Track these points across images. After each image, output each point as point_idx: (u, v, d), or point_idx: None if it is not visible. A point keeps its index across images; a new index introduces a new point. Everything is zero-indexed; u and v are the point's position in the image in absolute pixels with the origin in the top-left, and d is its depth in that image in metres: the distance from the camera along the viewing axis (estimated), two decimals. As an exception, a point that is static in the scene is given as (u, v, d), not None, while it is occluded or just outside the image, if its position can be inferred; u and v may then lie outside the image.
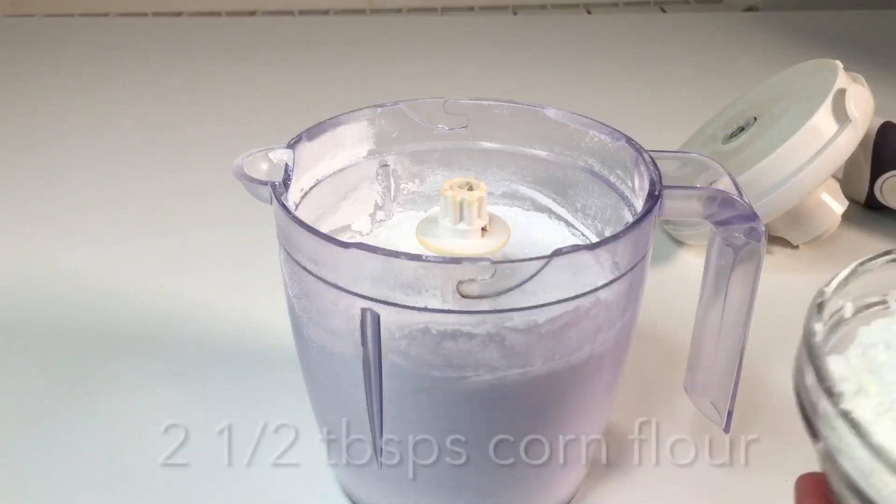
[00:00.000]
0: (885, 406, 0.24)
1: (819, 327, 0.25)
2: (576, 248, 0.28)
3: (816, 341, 0.25)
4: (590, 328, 0.31)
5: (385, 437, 0.32)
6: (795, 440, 0.28)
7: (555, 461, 0.35)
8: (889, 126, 0.56)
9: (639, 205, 0.34)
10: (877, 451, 0.21)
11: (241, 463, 0.40)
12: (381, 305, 0.29)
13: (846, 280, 0.28)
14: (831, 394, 0.23)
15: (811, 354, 0.24)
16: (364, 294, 0.29)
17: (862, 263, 0.28)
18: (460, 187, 0.34)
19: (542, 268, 0.28)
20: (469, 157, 0.40)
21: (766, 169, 0.49)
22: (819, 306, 0.26)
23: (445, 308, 0.29)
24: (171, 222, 0.61)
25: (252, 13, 1.10)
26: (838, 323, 0.28)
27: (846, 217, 0.55)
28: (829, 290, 0.27)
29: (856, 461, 0.22)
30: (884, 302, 0.28)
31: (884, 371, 0.25)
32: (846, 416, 0.22)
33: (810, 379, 0.24)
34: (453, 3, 1.12)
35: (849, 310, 0.28)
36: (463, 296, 0.28)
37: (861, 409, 0.23)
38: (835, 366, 0.24)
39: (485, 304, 0.28)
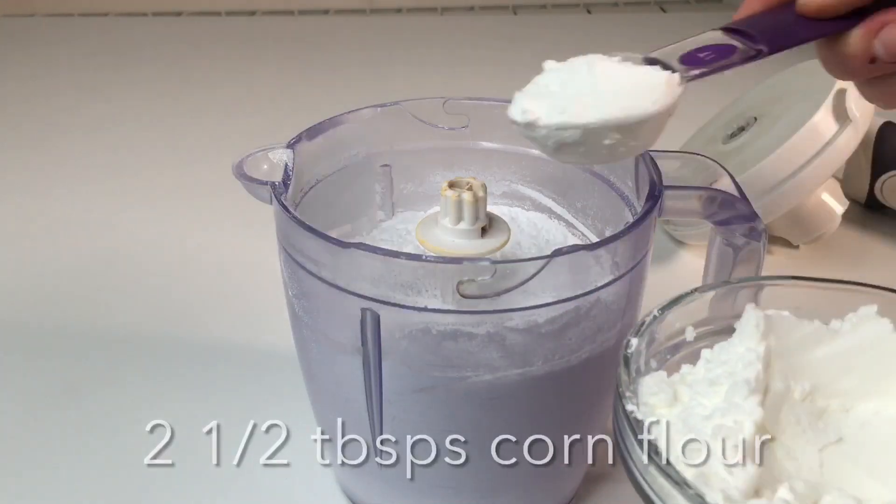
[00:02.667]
0: (686, 409, 0.27)
1: (634, 342, 0.29)
2: (576, 248, 0.28)
3: (628, 353, 0.28)
4: (590, 328, 0.31)
5: (385, 436, 0.32)
6: (795, 440, 0.28)
7: (554, 461, 0.35)
8: (889, 126, 0.56)
9: (639, 205, 0.34)
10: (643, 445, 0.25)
11: (241, 463, 0.40)
12: (381, 305, 0.29)
13: (671, 305, 0.30)
14: (622, 396, 0.27)
15: (622, 365, 0.28)
16: (364, 294, 0.29)
17: (692, 292, 0.31)
18: (460, 187, 0.34)
19: (542, 268, 0.28)
20: (469, 157, 0.40)
21: (767, 169, 0.49)
22: (640, 326, 0.29)
23: (445, 308, 0.29)
24: (171, 222, 0.61)
25: (252, 13, 1.10)
26: (679, 345, 0.31)
27: (846, 217, 0.55)
28: (650, 316, 0.30)
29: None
30: (730, 328, 0.30)
31: (696, 383, 0.28)
32: (627, 414, 0.26)
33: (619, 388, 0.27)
34: (453, 3, 1.12)
35: (690, 333, 0.31)
36: (463, 296, 0.28)
37: (663, 413, 0.27)
38: (651, 380, 0.28)
39: (485, 304, 0.28)
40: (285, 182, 0.32)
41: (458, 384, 0.30)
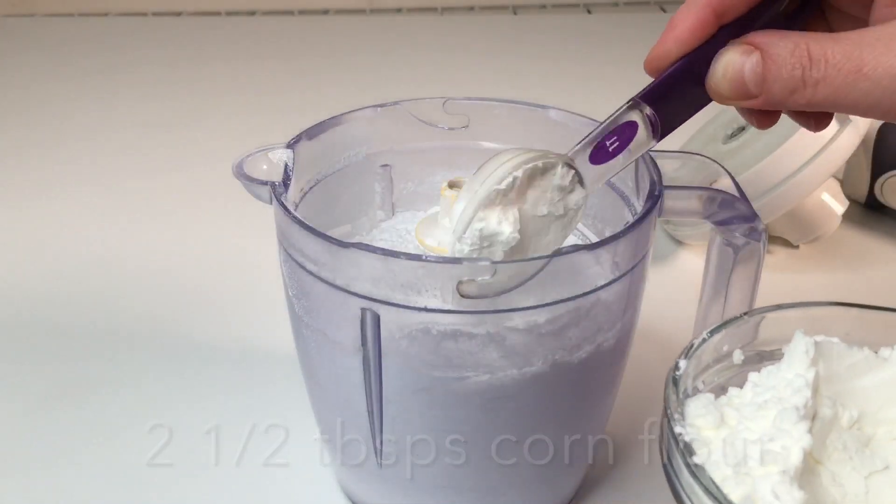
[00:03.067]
0: (733, 433, 0.27)
1: (683, 364, 0.29)
2: (576, 248, 0.28)
3: (677, 375, 0.29)
4: (590, 328, 0.31)
5: (385, 436, 0.32)
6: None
7: (554, 461, 0.35)
8: (889, 126, 0.56)
9: (639, 205, 0.34)
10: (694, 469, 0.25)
11: (241, 463, 0.40)
12: (381, 305, 0.29)
13: (720, 328, 0.31)
14: (671, 418, 0.27)
15: (671, 386, 0.28)
16: (364, 294, 0.29)
17: (742, 315, 0.31)
18: (460, 187, 0.34)
19: (542, 268, 0.28)
20: (469, 157, 0.40)
21: (766, 169, 0.49)
22: (688, 349, 0.29)
23: (445, 308, 0.29)
24: (171, 222, 0.61)
25: (252, 13, 1.10)
26: (727, 367, 0.31)
27: (846, 217, 0.55)
28: (699, 339, 0.30)
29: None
30: (779, 352, 0.31)
31: (744, 406, 0.28)
32: (675, 436, 0.26)
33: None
34: (453, 3, 1.12)
35: (738, 356, 0.31)
36: (463, 296, 0.28)
37: (709, 435, 0.28)
38: (698, 402, 0.28)
39: (485, 304, 0.28)
40: (285, 182, 0.32)
41: (458, 384, 0.30)
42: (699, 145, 0.58)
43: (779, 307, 0.32)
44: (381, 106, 0.38)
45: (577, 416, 0.34)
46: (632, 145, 0.29)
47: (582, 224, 0.39)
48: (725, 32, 0.27)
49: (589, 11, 1.11)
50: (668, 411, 0.27)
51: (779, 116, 0.30)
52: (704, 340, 0.30)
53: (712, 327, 0.30)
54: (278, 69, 0.90)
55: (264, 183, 0.32)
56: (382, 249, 0.28)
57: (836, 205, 0.54)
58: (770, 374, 0.29)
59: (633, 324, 0.34)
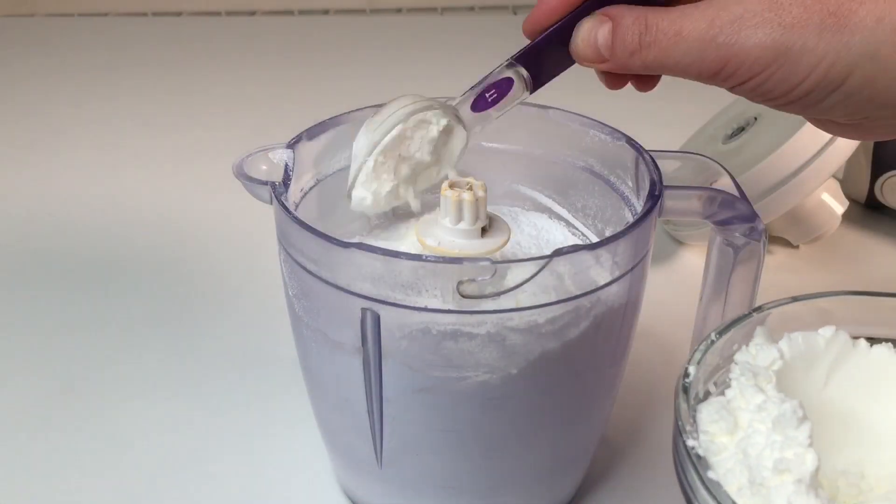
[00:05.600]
0: (745, 437, 0.27)
1: (692, 370, 0.28)
2: (576, 248, 0.28)
3: (686, 383, 0.28)
4: (590, 328, 0.31)
5: (385, 436, 0.32)
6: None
7: (554, 461, 0.35)
8: (889, 126, 0.56)
9: (639, 205, 0.34)
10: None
11: (241, 463, 0.40)
12: (381, 305, 0.29)
13: (728, 328, 0.30)
14: (683, 431, 0.26)
15: (681, 395, 0.28)
16: (364, 294, 0.29)
17: (750, 313, 0.31)
18: (460, 187, 0.34)
19: (543, 268, 0.28)
20: (469, 157, 0.39)
21: (766, 169, 0.49)
22: (695, 353, 0.29)
23: (445, 308, 0.29)
24: (171, 222, 0.61)
25: (252, 13, 1.10)
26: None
27: (846, 217, 0.55)
28: (707, 341, 0.30)
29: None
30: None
31: (752, 409, 0.28)
32: (688, 449, 0.26)
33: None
34: (453, 3, 1.12)
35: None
36: (463, 296, 0.28)
37: (724, 442, 0.27)
38: (710, 407, 0.28)
39: (485, 304, 0.28)
40: (285, 182, 0.32)
41: (458, 384, 0.30)
42: (699, 145, 0.58)
43: (794, 299, 0.31)
44: (381, 106, 0.38)
45: (577, 417, 0.34)
46: (507, 97, 0.34)
47: (582, 224, 0.39)
48: (589, 4, 0.31)
49: (589, 11, 1.11)
50: (680, 423, 0.27)
51: (626, 82, 0.33)
52: (712, 342, 0.30)
53: (720, 328, 0.30)
54: (278, 69, 0.90)
55: (264, 183, 0.32)
56: (382, 249, 0.28)
57: (836, 205, 0.54)
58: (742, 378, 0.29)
59: (633, 324, 0.34)
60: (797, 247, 0.56)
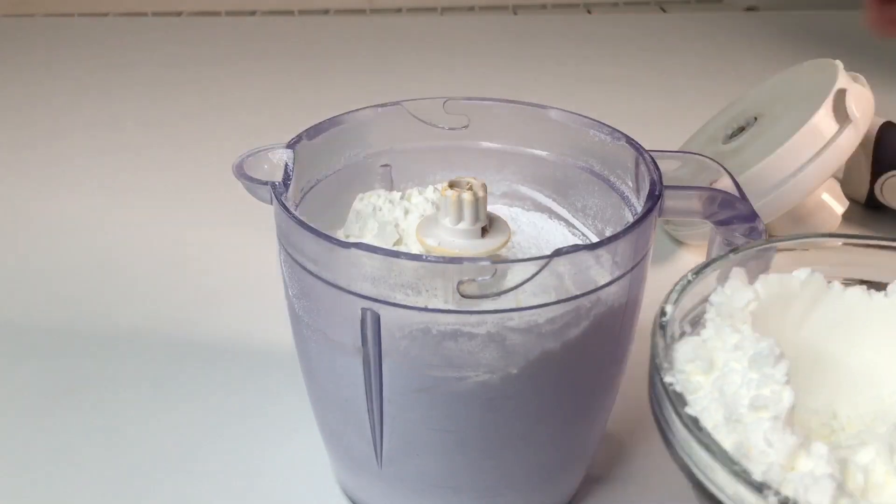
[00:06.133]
0: (721, 375, 0.27)
1: (669, 309, 0.29)
2: (576, 248, 0.28)
3: (664, 321, 0.28)
4: (590, 328, 0.31)
5: (385, 436, 0.32)
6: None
7: (554, 461, 0.35)
8: (889, 126, 0.56)
9: (639, 205, 0.34)
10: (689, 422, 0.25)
11: (241, 463, 0.40)
12: (382, 305, 0.29)
13: (704, 268, 0.30)
14: (660, 368, 0.27)
15: (658, 333, 0.28)
16: (364, 294, 0.29)
17: (728, 254, 0.31)
18: (460, 187, 0.34)
19: (543, 268, 0.28)
20: (469, 157, 0.40)
21: (767, 169, 0.49)
22: (672, 293, 0.29)
23: (446, 308, 0.29)
24: (171, 222, 0.61)
25: (252, 13, 1.10)
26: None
27: (846, 217, 0.55)
28: (683, 280, 0.30)
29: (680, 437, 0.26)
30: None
31: (727, 348, 0.28)
32: (666, 387, 0.26)
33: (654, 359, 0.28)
34: (453, 3, 1.12)
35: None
36: (463, 296, 0.28)
37: (700, 381, 0.27)
38: (687, 346, 0.28)
39: (485, 304, 0.28)
40: (285, 182, 0.32)
41: (458, 384, 0.30)
42: (699, 145, 0.58)
43: (760, 244, 0.32)
44: (381, 106, 0.38)
45: (578, 416, 0.34)
46: None
47: (582, 224, 0.39)
48: None
49: (589, 11, 1.11)
50: (657, 360, 0.27)
51: None
52: (689, 283, 0.29)
53: (696, 268, 0.30)
54: (278, 69, 0.90)
55: (264, 183, 0.32)
56: (383, 249, 0.28)
57: (836, 205, 0.54)
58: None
59: (633, 324, 0.34)
60: (796, 246, 0.56)
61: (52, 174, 0.68)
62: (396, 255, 0.28)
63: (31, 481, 0.39)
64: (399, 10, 1.11)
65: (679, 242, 0.57)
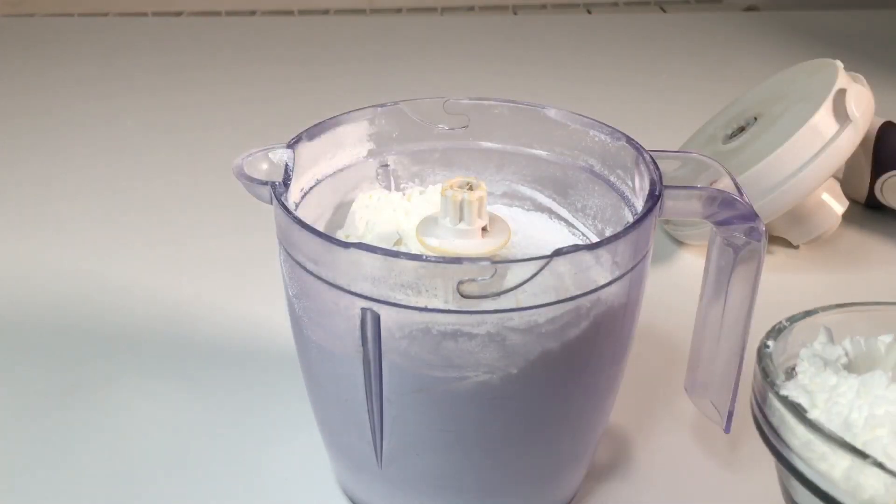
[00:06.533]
0: (824, 410, 0.28)
1: (771, 344, 0.31)
2: (576, 248, 0.28)
3: (767, 352, 0.30)
4: (590, 328, 0.31)
5: (385, 436, 0.32)
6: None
7: (555, 461, 0.35)
8: (889, 126, 0.56)
9: (639, 205, 0.34)
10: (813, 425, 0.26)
11: (241, 463, 0.40)
12: (382, 305, 0.29)
13: (801, 316, 0.33)
14: (773, 385, 0.28)
15: (764, 359, 0.30)
16: (364, 294, 0.29)
17: (826, 307, 0.33)
18: (460, 187, 0.34)
19: (543, 268, 0.28)
20: (469, 157, 0.40)
21: (767, 169, 0.49)
22: (773, 331, 0.32)
23: (446, 308, 0.29)
24: (171, 222, 0.61)
25: (252, 13, 1.10)
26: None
27: (846, 217, 0.55)
28: (780, 325, 0.32)
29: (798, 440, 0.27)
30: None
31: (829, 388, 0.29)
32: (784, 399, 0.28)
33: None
34: (453, 3, 1.12)
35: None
36: (463, 296, 0.28)
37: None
38: (790, 385, 0.30)
39: (485, 304, 0.28)
40: (285, 182, 0.32)
41: (458, 384, 0.30)
42: (699, 145, 0.58)
43: (839, 305, 0.33)
44: (381, 106, 0.38)
45: (578, 416, 0.34)
46: None
47: (582, 224, 0.39)
48: None
49: (589, 11, 1.11)
50: (769, 379, 0.29)
51: None
52: (784, 328, 0.32)
53: (790, 317, 0.32)
54: (278, 69, 0.90)
55: (264, 183, 0.32)
56: (383, 249, 0.28)
57: (836, 205, 0.54)
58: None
59: (633, 324, 0.34)
60: (797, 247, 0.56)
61: (51, 174, 0.68)
62: (396, 255, 0.28)
63: (32, 481, 0.39)
64: (399, 10, 1.12)
65: (679, 242, 0.57)
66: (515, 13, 1.11)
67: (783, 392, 0.28)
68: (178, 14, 1.08)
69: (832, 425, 0.27)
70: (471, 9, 1.13)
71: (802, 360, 0.31)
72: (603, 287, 0.30)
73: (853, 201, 0.58)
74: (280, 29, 1.04)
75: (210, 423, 0.42)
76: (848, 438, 0.26)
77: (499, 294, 0.28)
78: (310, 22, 1.07)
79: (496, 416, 0.31)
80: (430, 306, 0.29)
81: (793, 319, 0.32)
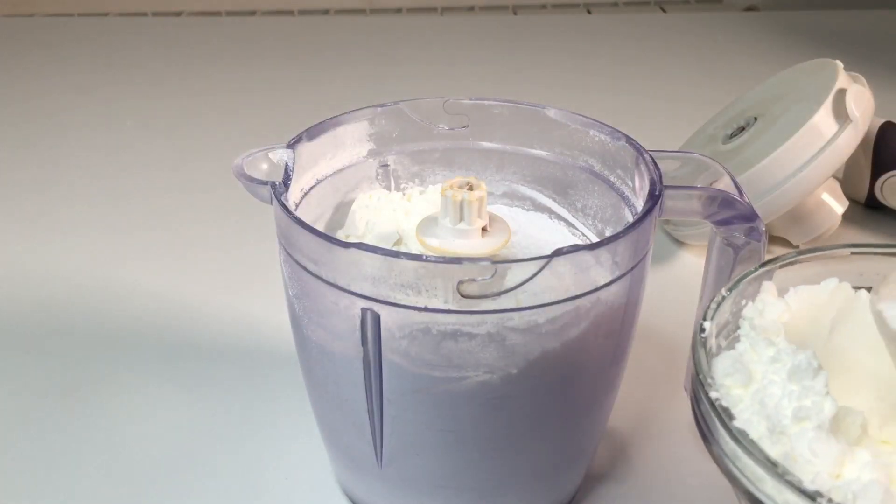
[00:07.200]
0: (760, 388, 0.28)
1: (707, 325, 0.29)
2: (576, 248, 0.28)
3: (703, 337, 0.29)
4: (590, 328, 0.31)
5: (385, 436, 0.32)
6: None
7: (555, 461, 0.35)
8: (889, 126, 0.56)
9: (639, 205, 0.34)
10: (737, 434, 0.25)
11: (241, 463, 0.40)
12: (382, 305, 0.29)
13: (738, 283, 0.31)
14: (704, 384, 0.27)
15: (700, 350, 0.29)
16: (364, 294, 0.29)
17: (758, 268, 0.32)
18: (460, 187, 0.34)
19: (543, 268, 0.28)
20: (469, 157, 0.40)
21: (767, 169, 0.49)
22: (708, 310, 0.30)
23: (446, 308, 0.29)
24: (171, 222, 0.61)
25: (252, 13, 1.10)
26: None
27: (846, 217, 0.55)
28: (719, 297, 0.31)
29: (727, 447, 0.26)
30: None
31: (764, 360, 0.29)
32: (714, 404, 0.27)
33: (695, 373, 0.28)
34: (453, 3, 1.12)
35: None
36: (463, 296, 0.28)
37: (739, 394, 0.28)
38: (724, 361, 0.29)
39: (485, 304, 0.28)
40: (285, 182, 0.32)
41: (458, 384, 0.30)
42: (699, 145, 0.58)
43: (789, 256, 0.33)
44: (381, 106, 0.38)
45: (578, 416, 0.34)
46: None
47: (582, 224, 0.39)
48: None
49: (589, 11, 1.11)
50: (701, 377, 0.28)
51: None
52: (723, 298, 0.30)
53: (729, 285, 0.31)
54: (278, 69, 0.90)
55: (264, 183, 0.32)
56: (383, 249, 0.28)
57: (836, 205, 0.54)
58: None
59: (633, 324, 0.34)
60: (797, 247, 0.56)
61: (51, 174, 0.68)
62: (396, 255, 0.28)
63: (32, 481, 0.39)
64: (399, 10, 1.12)
65: (679, 242, 0.57)
66: (515, 13, 1.11)
67: (712, 394, 0.27)
68: (178, 14, 1.08)
69: (763, 414, 0.27)
70: (471, 9, 1.13)
71: (744, 322, 0.30)
72: (603, 287, 0.30)
73: (853, 201, 0.58)
74: (280, 29, 1.04)
75: (210, 423, 0.42)
76: (778, 430, 0.26)
77: (499, 294, 0.28)
78: (310, 22, 1.07)
79: (496, 416, 0.31)
80: (430, 306, 0.29)
81: (732, 287, 0.31)
